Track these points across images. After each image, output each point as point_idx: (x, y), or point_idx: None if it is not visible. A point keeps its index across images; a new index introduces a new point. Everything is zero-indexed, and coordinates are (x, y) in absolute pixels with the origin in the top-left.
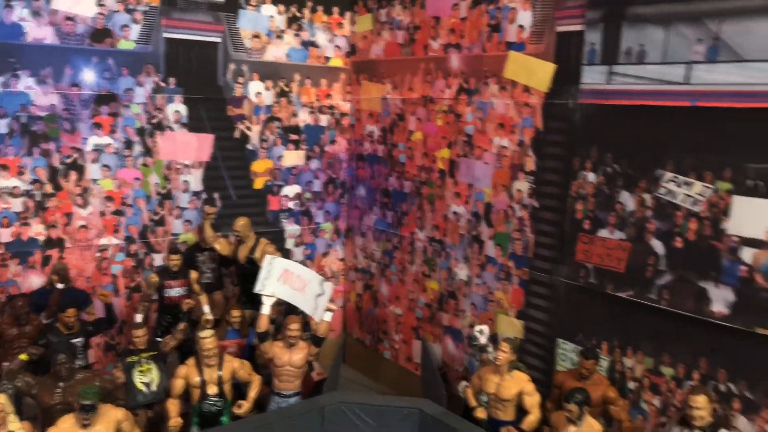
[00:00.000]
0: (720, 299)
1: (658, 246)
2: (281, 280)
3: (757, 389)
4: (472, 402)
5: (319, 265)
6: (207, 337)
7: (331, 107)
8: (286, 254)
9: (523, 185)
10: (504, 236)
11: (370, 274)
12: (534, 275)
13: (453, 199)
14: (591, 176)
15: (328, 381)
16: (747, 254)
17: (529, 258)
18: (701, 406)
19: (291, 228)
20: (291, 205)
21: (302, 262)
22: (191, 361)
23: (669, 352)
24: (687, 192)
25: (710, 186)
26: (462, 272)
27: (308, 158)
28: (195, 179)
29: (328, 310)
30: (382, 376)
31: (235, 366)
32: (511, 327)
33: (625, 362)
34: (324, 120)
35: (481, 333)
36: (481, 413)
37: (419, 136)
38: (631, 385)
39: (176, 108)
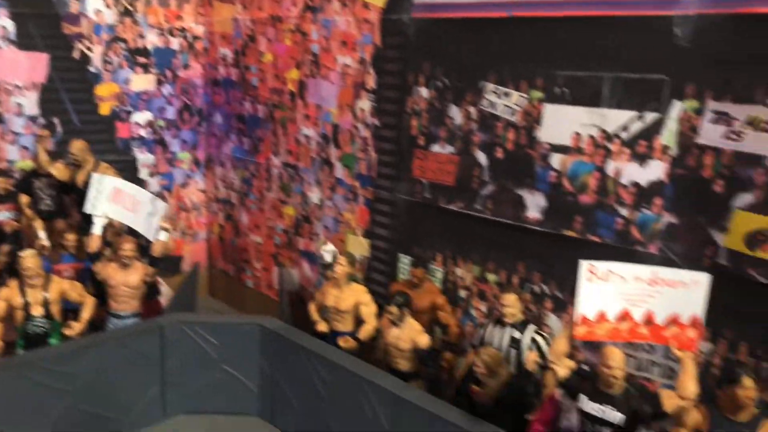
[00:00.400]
0: (534, 205)
1: (482, 158)
2: (112, 199)
3: (564, 288)
4: (314, 316)
5: (178, 196)
6: (26, 257)
7: (183, 29)
8: (141, 184)
9: (365, 104)
10: (350, 157)
11: (230, 204)
12: (377, 194)
13: (303, 121)
14: (424, 91)
15: (172, 304)
16: (556, 160)
17: (373, 177)
18: (510, 304)
19: (144, 157)
20: (143, 132)
21: (159, 194)
22: (14, 283)
23: (493, 259)
24: (506, 102)
25: (525, 95)
26: (315, 196)
27: (159, 83)
28: (30, 102)
29: (163, 229)
30: (246, 306)
31: (64, 287)
32: (359, 246)
33: (456, 272)
34: (175, 43)
35: (327, 252)
36: (322, 326)
37: (270, 58)
38: (462, 293)
39: (1, 23)
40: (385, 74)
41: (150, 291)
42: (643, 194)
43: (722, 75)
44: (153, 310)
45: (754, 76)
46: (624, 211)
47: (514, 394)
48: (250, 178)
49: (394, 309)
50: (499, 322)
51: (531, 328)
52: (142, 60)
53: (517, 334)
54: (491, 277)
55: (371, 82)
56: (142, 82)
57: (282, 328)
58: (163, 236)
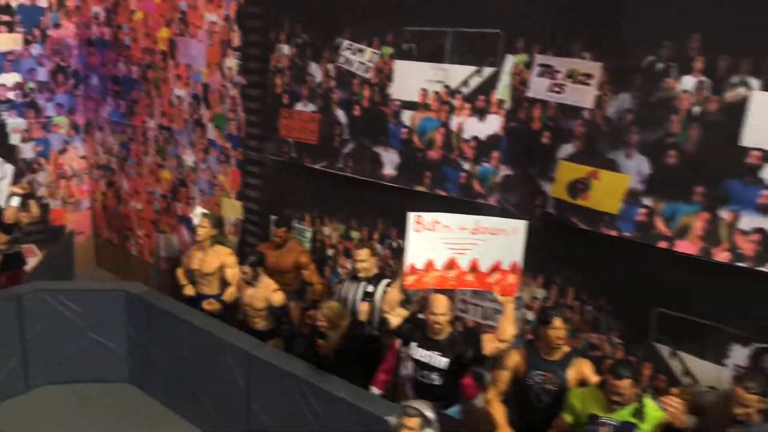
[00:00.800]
0: (389, 162)
1: (341, 116)
2: None
3: None
4: (182, 280)
5: (56, 163)
6: None
7: None
8: (11, 150)
9: (232, 62)
10: (221, 117)
11: (111, 170)
12: (247, 155)
13: (175, 81)
14: (286, 48)
15: (37, 273)
16: (407, 117)
17: (242, 138)
18: (364, 259)
19: (14, 121)
20: (11, 95)
21: (34, 160)
22: None
23: (356, 217)
24: (360, 59)
25: (377, 52)
26: (189, 158)
27: (27, 43)
28: None
29: (13, 194)
30: (132, 274)
31: None
32: (233, 209)
33: (324, 231)
34: (43, 0)
35: (195, 215)
36: (188, 290)
37: (140, 16)
38: (330, 252)
39: None
40: (249, 31)
41: (14, 261)
42: (483, 148)
43: (547, 28)
44: (17, 281)
45: (574, 29)
46: (466, 165)
47: (354, 345)
48: (128, 142)
49: (247, 269)
50: (355, 277)
51: (384, 282)
52: (4, 18)
53: (370, 288)
54: (355, 234)
55: (236, 39)
56: (5, 41)
57: (146, 293)
58: (15, 201)
